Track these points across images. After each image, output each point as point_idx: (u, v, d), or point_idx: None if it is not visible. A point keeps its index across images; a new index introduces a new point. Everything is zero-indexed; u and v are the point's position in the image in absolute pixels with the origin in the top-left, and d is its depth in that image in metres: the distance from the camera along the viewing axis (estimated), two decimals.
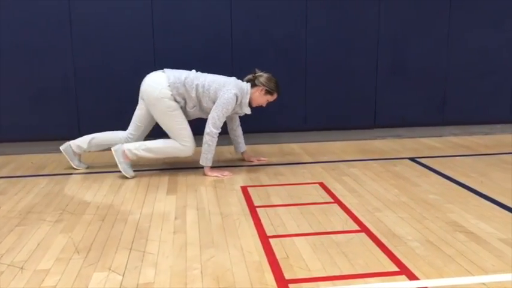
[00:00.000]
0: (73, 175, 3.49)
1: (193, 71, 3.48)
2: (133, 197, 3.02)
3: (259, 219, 2.63)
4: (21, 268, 2.11)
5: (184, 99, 3.37)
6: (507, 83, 4.56)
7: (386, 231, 2.46)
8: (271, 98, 3.52)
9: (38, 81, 4.02)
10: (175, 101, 3.35)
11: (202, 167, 3.44)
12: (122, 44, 4.05)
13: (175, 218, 2.67)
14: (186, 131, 3.38)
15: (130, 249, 2.29)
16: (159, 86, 3.34)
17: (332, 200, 2.91)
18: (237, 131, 3.71)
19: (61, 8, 3.93)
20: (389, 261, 2.14)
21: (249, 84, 3.45)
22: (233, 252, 2.24)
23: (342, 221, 2.59)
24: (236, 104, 3.38)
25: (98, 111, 4.10)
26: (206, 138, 3.34)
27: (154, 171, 3.56)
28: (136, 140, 3.56)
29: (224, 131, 3.57)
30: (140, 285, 1.97)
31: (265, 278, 2.01)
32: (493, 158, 3.81)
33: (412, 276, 2.00)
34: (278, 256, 2.19)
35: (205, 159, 3.39)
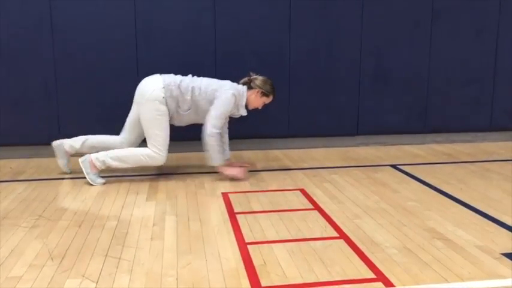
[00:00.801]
0: (52, 180, 3.44)
1: (190, 75, 3.47)
2: (112, 203, 2.98)
3: (238, 226, 2.62)
4: None
5: (177, 102, 3.35)
6: (488, 92, 4.62)
7: (365, 238, 2.46)
8: (267, 100, 3.54)
9: (19, 86, 3.97)
10: (166, 104, 3.33)
11: (188, 173, 3.42)
12: (103, 49, 4.01)
13: (154, 225, 2.64)
14: (163, 138, 3.35)
15: (106, 255, 2.26)
16: (152, 87, 3.33)
17: (312, 207, 2.91)
18: (224, 137, 3.70)
19: (42, 13, 3.90)
20: (367, 268, 2.13)
21: (245, 87, 3.47)
22: (210, 259, 2.22)
23: (321, 228, 2.59)
24: (234, 105, 3.39)
25: (78, 116, 4.05)
26: (207, 139, 3.33)
27: (135, 177, 3.52)
28: (130, 145, 3.52)
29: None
30: None
31: (242, 285, 1.99)
32: (474, 166, 3.85)
33: (388, 283, 2.00)
34: (255, 263, 2.18)
35: (215, 159, 3.39)
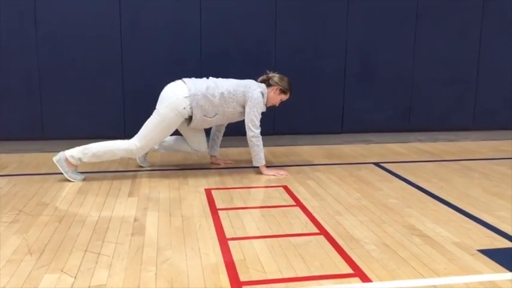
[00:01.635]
0: (34, 176, 3.42)
1: (210, 78, 3.47)
2: (93, 199, 2.97)
3: (220, 222, 2.62)
4: None
5: (203, 110, 3.33)
6: (471, 91, 4.68)
7: (345, 234, 2.48)
8: (284, 97, 3.58)
9: (1, 81, 3.93)
10: (191, 113, 3.30)
11: (172, 169, 3.42)
12: (87, 45, 3.99)
13: (135, 220, 2.64)
14: (153, 142, 3.37)
15: (86, 251, 2.25)
16: (175, 95, 3.30)
17: (294, 203, 2.92)
18: (220, 133, 3.76)
19: (26, 7, 3.86)
20: (345, 263, 2.16)
21: (264, 85, 3.51)
22: (190, 255, 2.22)
23: (302, 224, 2.61)
24: (264, 102, 3.45)
25: (61, 112, 4.03)
26: (252, 141, 3.42)
27: (118, 173, 3.51)
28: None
29: (207, 133, 3.64)
30: (92, 287, 1.93)
31: (220, 280, 2.00)
32: (456, 164, 3.89)
33: (365, 278, 2.02)
34: (235, 258, 2.19)
35: (259, 159, 3.47)
